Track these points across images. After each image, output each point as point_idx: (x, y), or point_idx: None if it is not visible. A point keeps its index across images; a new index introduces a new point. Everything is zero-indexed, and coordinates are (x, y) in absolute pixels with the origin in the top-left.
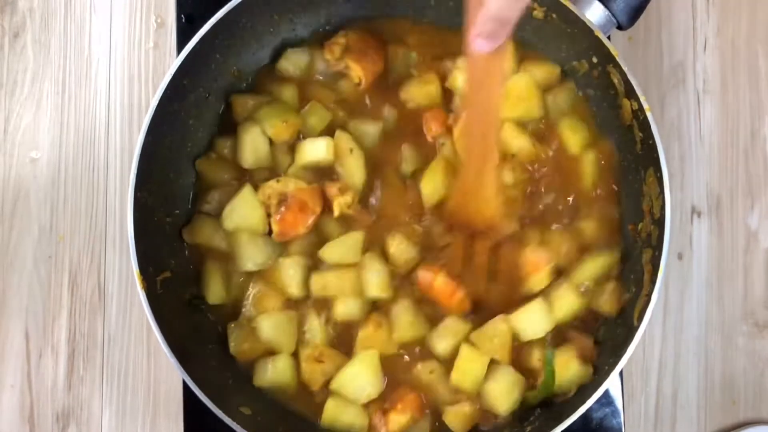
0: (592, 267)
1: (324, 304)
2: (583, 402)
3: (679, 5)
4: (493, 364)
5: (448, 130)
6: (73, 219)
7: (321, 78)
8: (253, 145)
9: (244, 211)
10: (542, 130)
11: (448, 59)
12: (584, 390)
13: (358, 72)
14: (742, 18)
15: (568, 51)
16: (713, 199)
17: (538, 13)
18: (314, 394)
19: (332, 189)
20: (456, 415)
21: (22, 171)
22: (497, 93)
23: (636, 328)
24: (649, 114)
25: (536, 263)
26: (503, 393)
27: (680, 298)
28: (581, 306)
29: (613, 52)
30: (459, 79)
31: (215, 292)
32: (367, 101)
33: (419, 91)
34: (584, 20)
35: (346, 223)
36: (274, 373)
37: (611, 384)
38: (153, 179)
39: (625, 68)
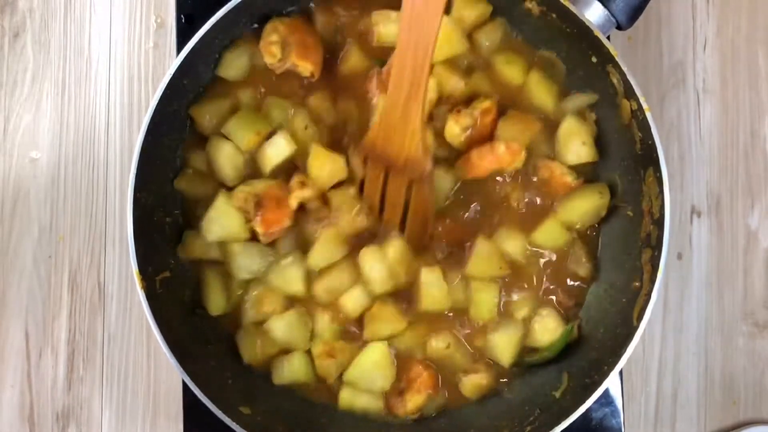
0: (580, 205)
1: (331, 304)
2: (583, 402)
3: (679, 5)
4: (499, 317)
5: (383, 87)
6: (73, 219)
7: (271, 71)
8: (230, 163)
9: (221, 220)
10: (478, 71)
11: (366, 18)
12: (583, 392)
13: (307, 68)
14: (742, 18)
15: (567, 51)
16: (713, 199)
17: (534, 10)
18: (331, 385)
19: (293, 182)
20: (473, 385)
21: (22, 171)
22: (433, 24)
23: (635, 328)
24: (648, 114)
25: (511, 148)
26: (506, 344)
27: (680, 297)
28: (565, 239)
29: (613, 52)
30: (383, 29)
31: (216, 302)
32: (320, 84)
33: (351, 64)
34: (583, 20)
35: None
36: (291, 371)
37: (611, 384)
38: (153, 179)
39: (624, 68)
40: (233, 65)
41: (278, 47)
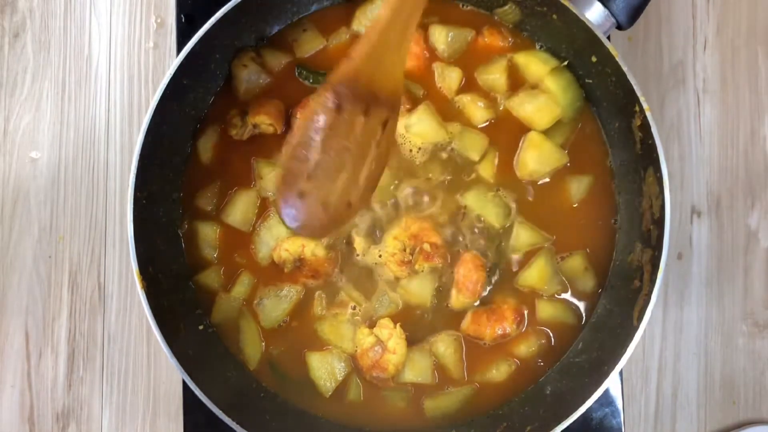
0: None
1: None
2: (583, 402)
3: (679, 5)
4: None
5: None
6: (73, 219)
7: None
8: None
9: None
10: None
11: None
12: (583, 392)
13: (264, 121)
14: (742, 18)
15: (568, 50)
16: (713, 199)
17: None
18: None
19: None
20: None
21: (22, 171)
22: None
23: (636, 328)
24: (648, 114)
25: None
26: None
27: (680, 297)
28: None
29: (613, 52)
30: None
31: (253, 354)
32: None
33: None
34: (584, 20)
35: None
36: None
37: (611, 384)
38: (153, 179)
39: (624, 68)
40: (205, 149)
41: (238, 118)
